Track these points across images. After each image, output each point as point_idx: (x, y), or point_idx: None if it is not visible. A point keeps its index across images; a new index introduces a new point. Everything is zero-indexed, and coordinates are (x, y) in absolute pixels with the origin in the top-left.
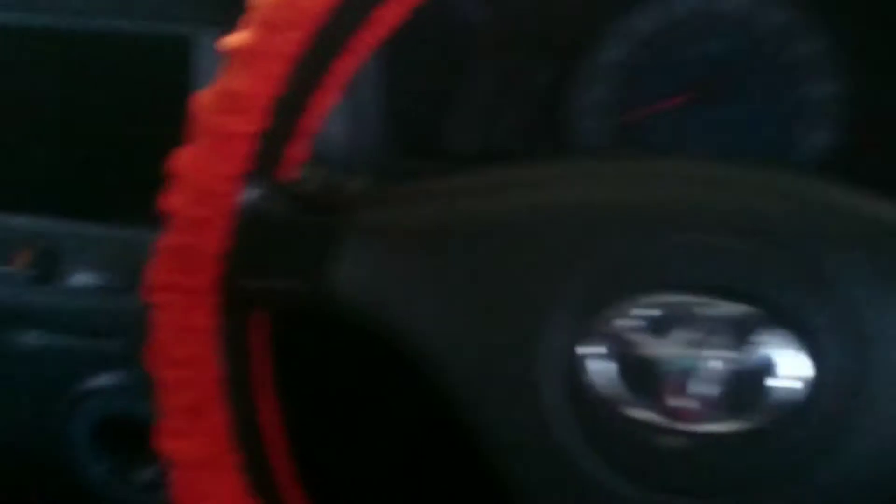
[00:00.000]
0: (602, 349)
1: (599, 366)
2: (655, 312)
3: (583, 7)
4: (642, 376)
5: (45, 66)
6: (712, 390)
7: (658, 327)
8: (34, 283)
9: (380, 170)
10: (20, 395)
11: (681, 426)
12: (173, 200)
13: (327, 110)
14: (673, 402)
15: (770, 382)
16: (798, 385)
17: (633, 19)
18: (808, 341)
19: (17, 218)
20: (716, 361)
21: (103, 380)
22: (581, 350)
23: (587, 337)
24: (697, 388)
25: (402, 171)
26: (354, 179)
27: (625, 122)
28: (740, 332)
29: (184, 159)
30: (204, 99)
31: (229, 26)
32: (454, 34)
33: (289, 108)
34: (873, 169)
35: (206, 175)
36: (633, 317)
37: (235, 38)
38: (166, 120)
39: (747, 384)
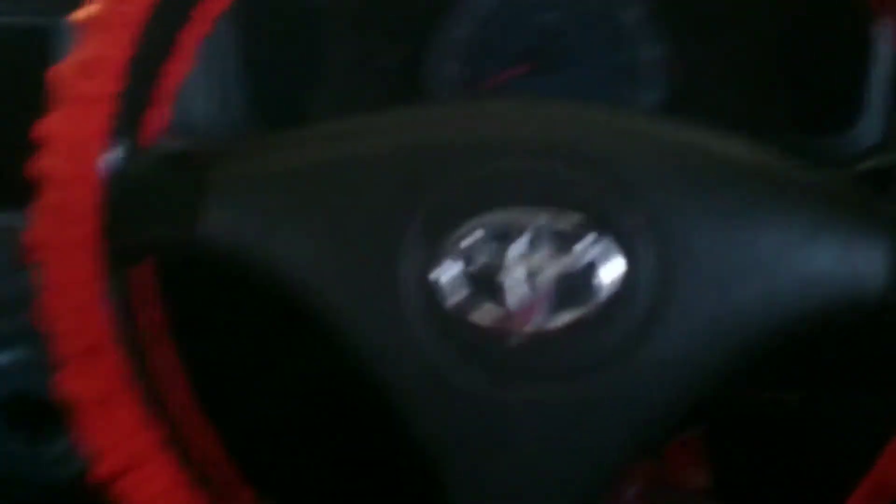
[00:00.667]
0: (451, 266)
1: (451, 281)
2: (495, 229)
3: None
4: (488, 285)
5: None
6: (546, 291)
7: (499, 242)
8: None
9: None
10: None
11: (523, 324)
12: (44, 163)
13: (182, 77)
14: (515, 305)
15: (595, 280)
16: (617, 281)
17: None
18: (623, 243)
19: None
20: (550, 267)
21: (3, 358)
22: (434, 268)
23: (438, 257)
24: (534, 290)
25: None
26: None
27: (476, 95)
28: (569, 240)
29: (49, 124)
30: (62, 68)
31: None
32: (305, 13)
33: (142, 72)
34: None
35: (73, 135)
36: (476, 235)
37: (86, 10)
38: (28, 109)
39: (577, 284)
